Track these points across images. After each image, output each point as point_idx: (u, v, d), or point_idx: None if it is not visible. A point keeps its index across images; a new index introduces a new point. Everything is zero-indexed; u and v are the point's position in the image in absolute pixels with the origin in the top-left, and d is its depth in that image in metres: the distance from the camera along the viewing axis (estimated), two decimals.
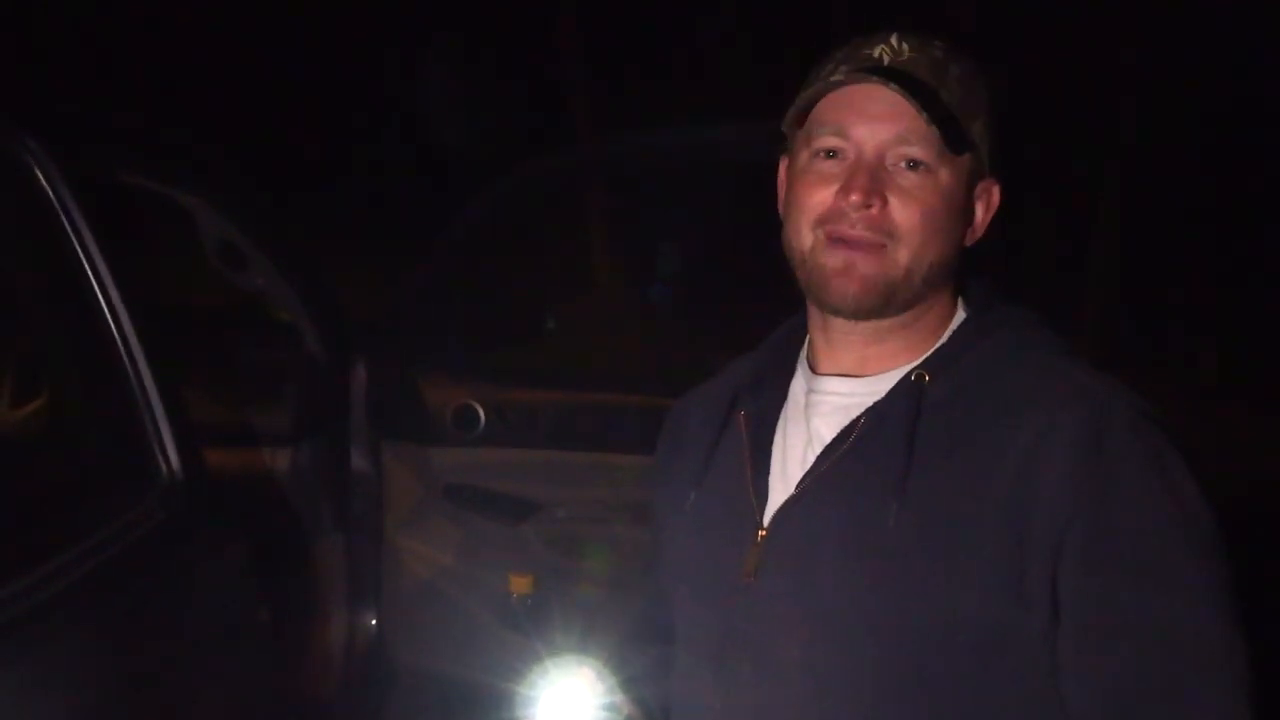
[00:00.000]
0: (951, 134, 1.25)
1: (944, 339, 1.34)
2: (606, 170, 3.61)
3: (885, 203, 1.26)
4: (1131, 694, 1.19)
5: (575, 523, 2.99)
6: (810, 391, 1.37)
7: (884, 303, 1.28)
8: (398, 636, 3.10)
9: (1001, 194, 1.35)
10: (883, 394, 1.31)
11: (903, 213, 1.26)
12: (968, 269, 1.37)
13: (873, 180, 1.26)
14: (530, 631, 2.88)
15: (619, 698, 1.45)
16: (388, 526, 3.08)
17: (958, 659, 1.23)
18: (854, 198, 1.25)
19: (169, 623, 1.89)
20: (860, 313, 1.29)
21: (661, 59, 11.54)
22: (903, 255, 1.27)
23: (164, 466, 2.01)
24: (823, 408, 1.35)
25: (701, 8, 11.70)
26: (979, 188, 1.33)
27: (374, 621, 3.10)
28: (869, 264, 1.27)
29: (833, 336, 1.35)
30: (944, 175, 1.27)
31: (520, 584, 2.91)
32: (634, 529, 2.78)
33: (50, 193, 1.92)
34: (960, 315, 1.37)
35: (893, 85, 1.24)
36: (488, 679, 2.89)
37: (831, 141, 1.28)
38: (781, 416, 1.39)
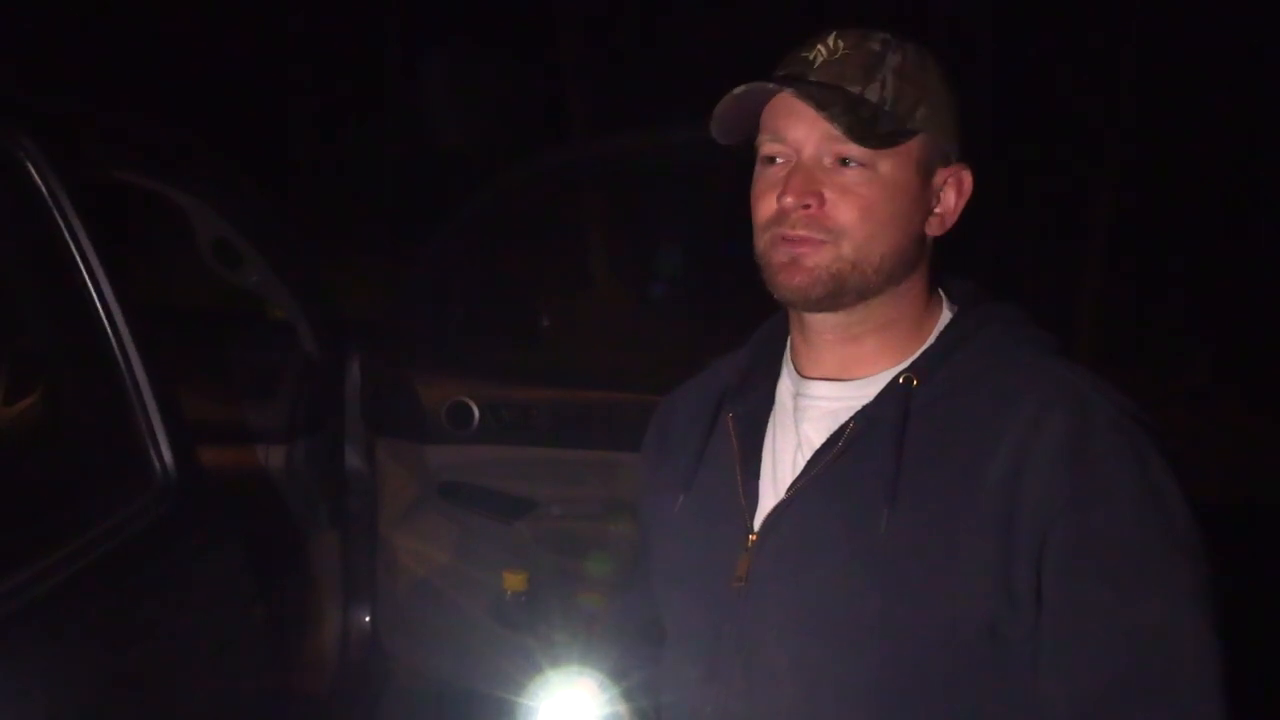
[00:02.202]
0: (861, 132, 1.25)
1: (930, 340, 1.34)
2: (602, 168, 3.60)
3: (823, 201, 1.27)
4: (1108, 694, 1.19)
5: (569, 520, 2.99)
6: (798, 395, 1.37)
7: (833, 293, 1.29)
8: (392, 633, 3.11)
9: (974, 180, 1.35)
10: (870, 398, 1.31)
11: (840, 209, 1.27)
12: (944, 263, 1.37)
13: (806, 181, 1.27)
14: (524, 628, 2.88)
15: (621, 708, 1.45)
16: (382, 524, 3.08)
17: (951, 661, 1.24)
18: (788, 200, 1.27)
19: (163, 621, 1.89)
20: (810, 303, 1.30)
21: (660, 57, 11.53)
22: (846, 249, 1.27)
23: (158, 464, 2.01)
24: (811, 412, 1.35)
25: (702, 6, 11.70)
26: (942, 174, 1.33)
27: (368, 618, 3.10)
28: (813, 256, 1.27)
29: (810, 338, 1.35)
30: (885, 167, 1.28)
31: (514, 581, 2.91)
32: (629, 527, 2.78)
33: (45, 190, 1.92)
34: (946, 314, 1.37)
35: (789, 90, 1.26)
36: (482, 677, 2.90)
37: (772, 147, 1.31)
38: (770, 420, 1.40)
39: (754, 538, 1.33)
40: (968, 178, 1.34)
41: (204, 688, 1.98)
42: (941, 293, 1.38)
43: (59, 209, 1.93)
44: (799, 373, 1.38)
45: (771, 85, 1.28)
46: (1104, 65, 9.80)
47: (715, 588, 1.35)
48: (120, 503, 1.93)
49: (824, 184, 1.27)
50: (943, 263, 1.37)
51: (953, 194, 1.34)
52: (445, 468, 3.05)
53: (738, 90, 1.30)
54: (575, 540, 2.95)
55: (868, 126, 1.26)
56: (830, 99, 1.26)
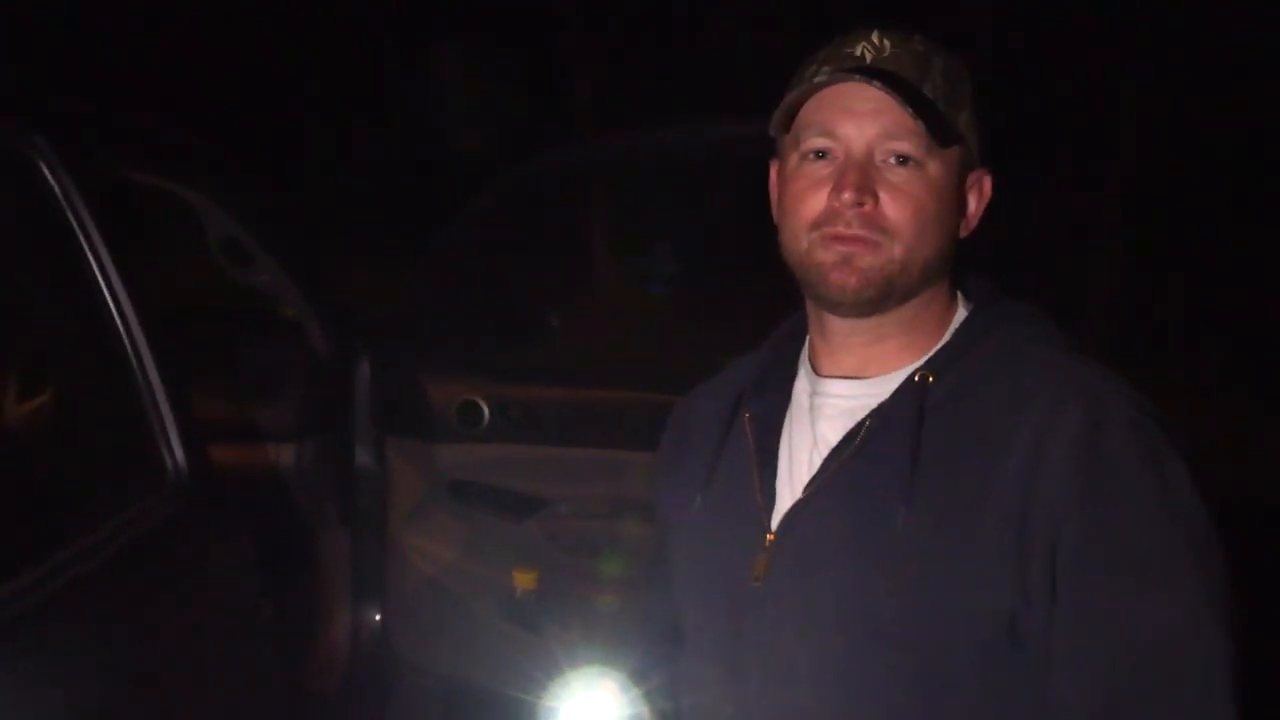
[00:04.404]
0: (937, 127, 1.25)
1: (946, 338, 1.34)
2: (609, 167, 3.60)
3: (877, 200, 1.26)
4: (1118, 692, 1.19)
5: (579, 519, 2.99)
6: (814, 394, 1.37)
7: (883, 295, 1.28)
8: (402, 631, 3.11)
9: (994, 184, 1.36)
10: (886, 396, 1.31)
11: (894, 209, 1.26)
12: (964, 262, 1.37)
13: (863, 177, 1.26)
14: (534, 627, 2.88)
15: (643, 709, 1.45)
16: (392, 522, 3.08)
17: (969, 658, 1.24)
18: (846, 195, 1.25)
19: (173, 618, 1.90)
20: (860, 306, 1.29)
21: (665, 55, 11.53)
22: (898, 250, 1.27)
23: (169, 462, 2.01)
24: (827, 410, 1.35)
25: (703, 5, 11.70)
26: (970, 178, 1.33)
27: (378, 617, 3.11)
28: (865, 257, 1.27)
29: (832, 339, 1.35)
30: (933, 168, 1.27)
31: (524, 580, 2.92)
32: (638, 526, 2.78)
33: (57, 189, 1.93)
34: (961, 312, 1.37)
35: (876, 83, 1.24)
36: (492, 675, 2.90)
37: (820, 142, 1.28)
38: (786, 419, 1.40)
39: (771, 537, 1.33)
40: (988, 182, 1.35)
41: (214, 685, 1.98)
42: (958, 291, 1.38)
43: (71, 208, 1.94)
44: (816, 372, 1.37)
45: (858, 77, 1.26)
46: (1111, 61, 9.79)
47: (734, 588, 1.35)
48: (131, 500, 1.94)
49: (877, 182, 1.26)
50: (959, 262, 1.38)
51: (975, 198, 1.34)
52: (455, 466, 3.05)
53: (819, 79, 1.28)
54: (585, 539, 2.95)
55: (942, 122, 1.26)
56: (913, 93, 1.25)
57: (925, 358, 1.33)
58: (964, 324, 1.35)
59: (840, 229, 1.27)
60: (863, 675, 1.27)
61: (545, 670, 1.66)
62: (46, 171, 1.92)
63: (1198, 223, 9.50)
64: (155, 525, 1.93)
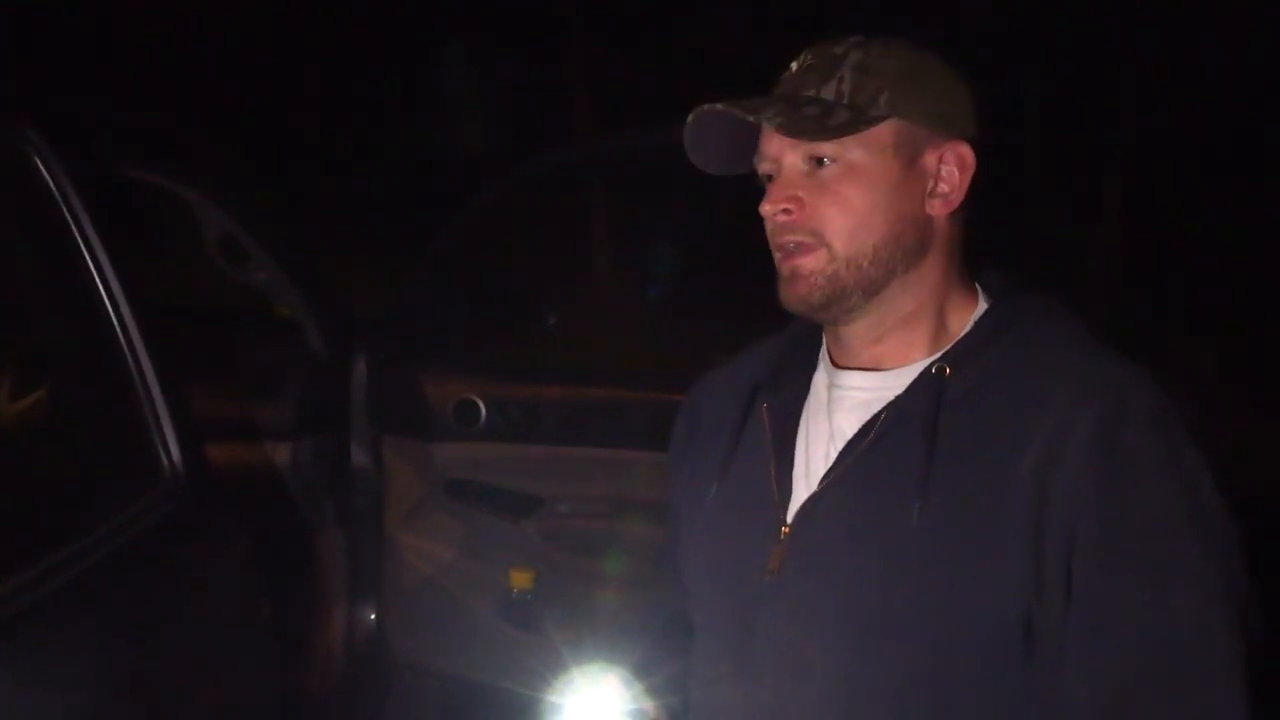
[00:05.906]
0: (804, 126, 1.26)
1: (965, 331, 1.33)
2: (609, 167, 3.60)
3: (801, 204, 1.28)
4: (1131, 689, 1.18)
5: (576, 518, 2.99)
6: (832, 386, 1.36)
7: (834, 297, 1.29)
8: (398, 631, 3.11)
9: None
10: (903, 388, 1.30)
11: (819, 208, 1.28)
12: (964, 245, 1.34)
13: (784, 188, 1.29)
14: (530, 626, 2.88)
15: (648, 704, 1.45)
16: (388, 522, 3.08)
17: (982, 655, 1.23)
18: (766, 208, 1.30)
19: (170, 618, 1.89)
20: (816, 310, 1.30)
21: (667, 54, 11.54)
22: (837, 247, 1.28)
23: (165, 461, 2.01)
24: (844, 403, 1.34)
25: (703, 5, 11.70)
26: (934, 154, 1.30)
27: (374, 616, 3.10)
28: (807, 262, 1.28)
29: (837, 336, 1.35)
30: (856, 158, 1.27)
31: (521, 579, 2.92)
32: (636, 525, 2.78)
33: (53, 187, 1.92)
34: (982, 305, 1.35)
35: (721, 106, 1.29)
36: (488, 674, 2.90)
37: (761, 165, 1.33)
38: (804, 411, 1.39)
39: (787, 530, 1.32)
40: (967, 152, 1.31)
41: (210, 685, 1.97)
42: (978, 285, 1.37)
43: (67, 205, 1.93)
44: (834, 363, 1.37)
45: (706, 106, 1.31)
46: (1110, 58, 9.80)
47: (747, 580, 1.34)
48: (127, 500, 1.94)
49: (800, 188, 1.28)
50: (976, 255, 1.35)
51: (955, 169, 1.31)
52: (452, 465, 3.05)
53: (690, 119, 1.33)
54: (582, 538, 2.95)
55: (812, 121, 1.26)
56: (763, 104, 1.28)
57: (942, 351, 1.32)
58: (983, 317, 1.34)
59: (778, 240, 1.30)
60: (873, 671, 1.26)
61: (546, 667, 1.65)
62: (43, 169, 1.92)
63: (1198, 222, 9.50)
64: (151, 525, 1.93)
